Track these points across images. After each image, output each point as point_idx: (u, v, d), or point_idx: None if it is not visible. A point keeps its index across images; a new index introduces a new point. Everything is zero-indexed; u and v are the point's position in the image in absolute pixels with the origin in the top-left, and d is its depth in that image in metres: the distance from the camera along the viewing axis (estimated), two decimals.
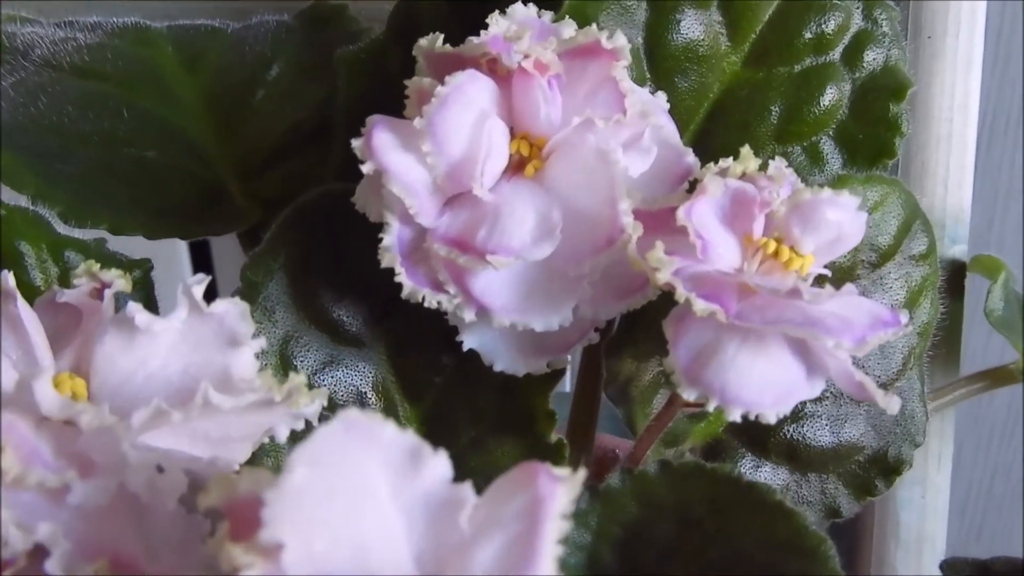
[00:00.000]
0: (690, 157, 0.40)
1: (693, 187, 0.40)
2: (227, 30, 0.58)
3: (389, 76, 0.50)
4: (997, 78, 0.88)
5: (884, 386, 0.48)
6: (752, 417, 0.36)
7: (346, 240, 0.44)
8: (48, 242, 0.46)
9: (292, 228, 0.44)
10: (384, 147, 0.38)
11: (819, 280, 0.40)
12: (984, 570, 0.56)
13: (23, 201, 0.48)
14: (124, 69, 0.55)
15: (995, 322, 0.56)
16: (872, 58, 0.48)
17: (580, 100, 0.39)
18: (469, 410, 0.45)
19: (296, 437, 0.38)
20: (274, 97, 0.55)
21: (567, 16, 0.43)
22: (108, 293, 0.37)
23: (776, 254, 0.37)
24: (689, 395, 0.36)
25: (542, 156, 0.39)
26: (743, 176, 0.38)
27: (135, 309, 0.35)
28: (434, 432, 0.45)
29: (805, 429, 0.47)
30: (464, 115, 0.38)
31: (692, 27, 0.47)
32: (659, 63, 0.47)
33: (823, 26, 0.47)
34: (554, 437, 0.44)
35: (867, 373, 0.47)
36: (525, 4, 0.42)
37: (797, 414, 0.47)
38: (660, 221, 0.39)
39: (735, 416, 0.36)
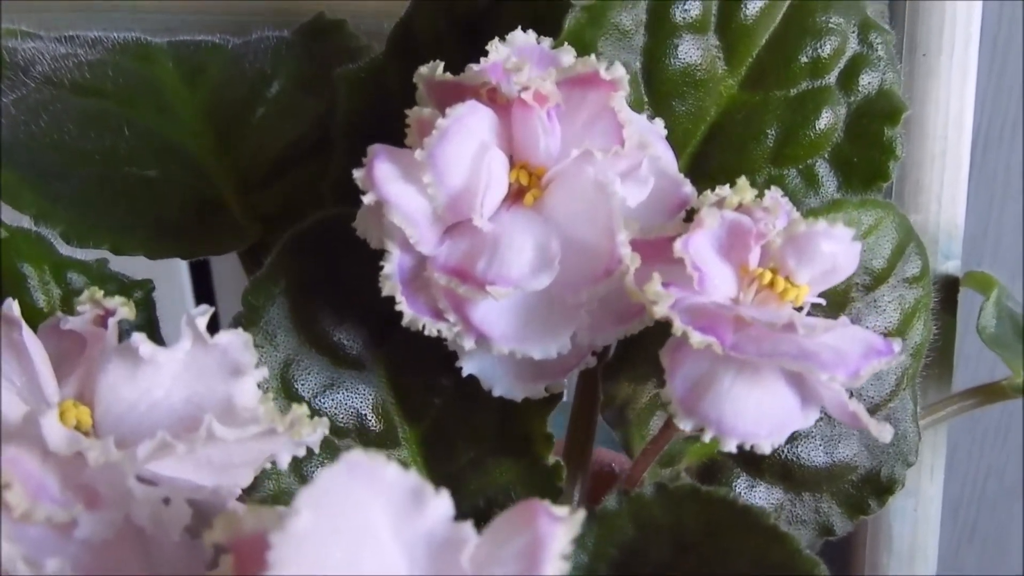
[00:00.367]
0: (687, 187, 0.41)
1: (690, 215, 0.40)
2: (227, 46, 0.58)
3: (388, 94, 0.50)
4: (992, 87, 0.88)
5: (878, 407, 0.48)
6: (747, 447, 0.37)
7: (345, 264, 0.45)
8: (50, 263, 0.46)
9: (292, 253, 0.45)
10: (385, 178, 0.38)
11: (814, 305, 0.41)
12: None
13: (25, 220, 0.48)
14: (125, 86, 0.55)
15: (987, 339, 0.56)
16: (867, 82, 0.48)
17: (579, 129, 0.40)
18: (468, 431, 0.46)
19: (297, 461, 0.39)
20: (274, 113, 0.56)
21: (566, 42, 0.44)
22: (112, 322, 0.37)
23: (772, 284, 0.38)
24: (685, 425, 0.37)
25: (541, 185, 0.40)
26: (739, 207, 0.38)
27: (139, 340, 0.36)
28: (433, 453, 0.46)
29: (799, 449, 0.48)
30: (464, 147, 0.38)
31: (690, 52, 0.47)
32: (657, 87, 0.47)
33: (819, 50, 0.48)
34: (552, 459, 0.45)
35: (861, 394, 0.48)
36: (524, 30, 0.42)
37: (791, 435, 0.48)
38: (657, 250, 0.39)
39: (730, 447, 0.37)
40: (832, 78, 0.48)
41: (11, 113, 0.53)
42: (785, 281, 0.38)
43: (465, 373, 0.42)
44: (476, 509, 0.45)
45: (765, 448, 0.37)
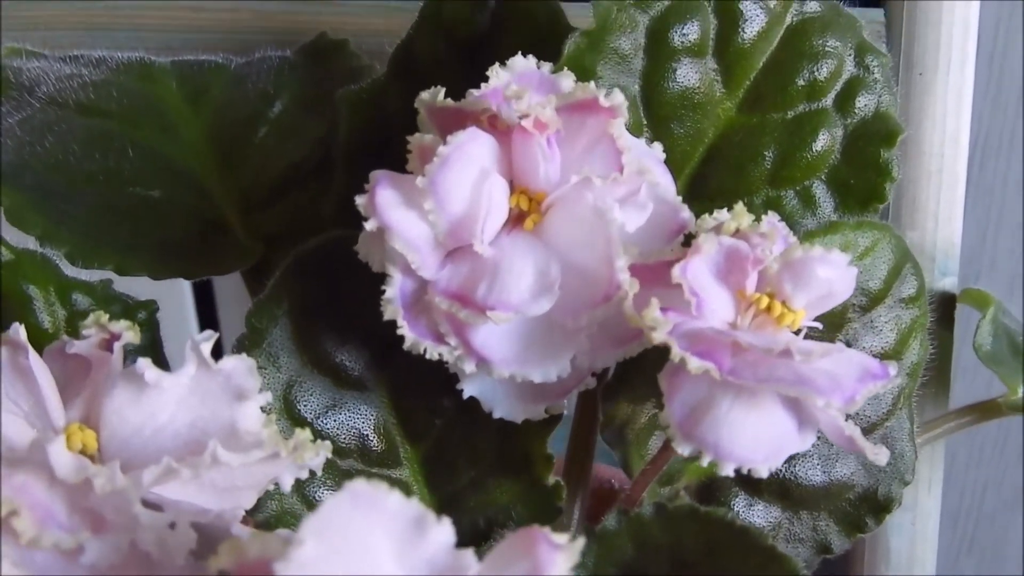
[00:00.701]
0: (685, 212, 0.41)
1: (688, 240, 0.41)
2: (230, 66, 0.59)
3: (388, 115, 0.51)
4: (989, 103, 0.89)
5: (875, 426, 0.49)
6: (745, 471, 0.37)
7: (347, 287, 0.45)
8: (56, 285, 0.47)
9: (295, 275, 0.45)
10: (387, 204, 0.39)
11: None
12: None
13: (30, 241, 0.49)
14: (129, 106, 0.55)
15: (983, 357, 0.57)
16: (864, 104, 0.49)
17: (578, 155, 0.40)
18: (468, 451, 0.46)
19: (299, 482, 0.40)
20: (276, 134, 0.56)
21: (566, 67, 0.44)
22: (117, 347, 0.38)
23: (769, 309, 0.38)
24: (684, 450, 0.38)
25: (541, 210, 0.40)
26: (737, 232, 0.39)
27: (144, 365, 0.36)
28: (434, 473, 0.47)
29: (797, 468, 0.48)
30: (465, 174, 0.39)
31: (688, 75, 0.48)
32: (655, 110, 0.48)
33: (816, 73, 0.48)
34: (551, 479, 0.45)
35: (858, 414, 0.48)
36: (524, 54, 0.43)
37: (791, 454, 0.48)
38: (656, 274, 0.40)
39: (728, 471, 0.37)
40: (829, 101, 0.49)
41: (16, 134, 0.53)
42: (782, 306, 0.38)
43: (466, 395, 0.42)
44: (476, 528, 0.46)
45: (762, 472, 0.37)
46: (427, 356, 0.40)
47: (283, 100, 0.57)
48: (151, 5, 0.65)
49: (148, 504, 0.35)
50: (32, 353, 0.38)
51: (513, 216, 0.40)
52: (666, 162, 0.44)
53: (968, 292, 0.60)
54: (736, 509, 0.48)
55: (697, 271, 0.38)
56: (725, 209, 0.41)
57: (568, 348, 0.40)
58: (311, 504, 0.44)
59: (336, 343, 0.46)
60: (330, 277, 0.46)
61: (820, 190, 0.49)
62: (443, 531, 0.29)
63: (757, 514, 0.49)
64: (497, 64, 0.41)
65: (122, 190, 0.53)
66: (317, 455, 0.37)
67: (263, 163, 0.56)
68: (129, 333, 0.39)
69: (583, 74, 0.45)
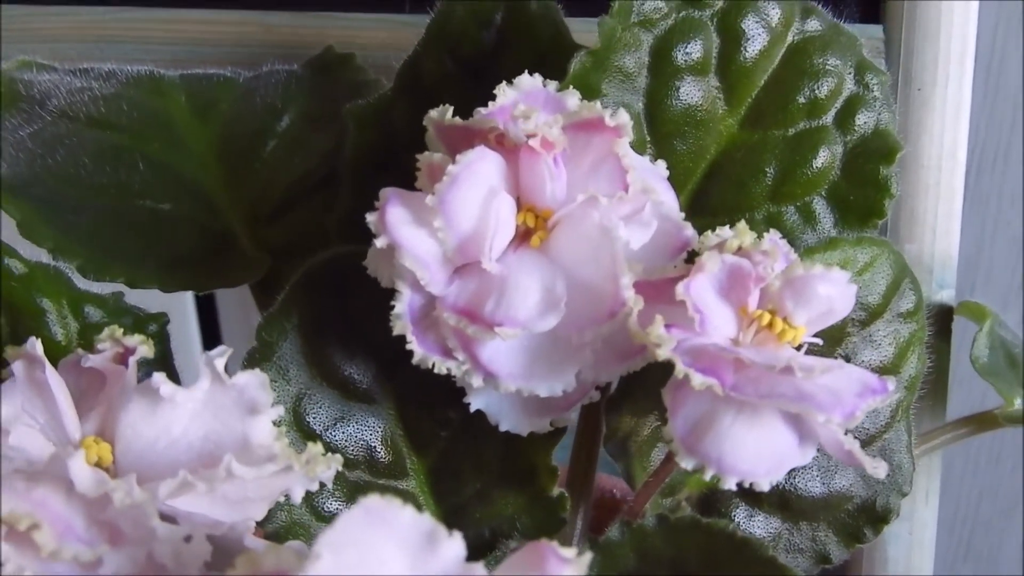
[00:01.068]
0: (689, 230, 0.42)
1: (692, 257, 0.42)
2: (238, 79, 0.60)
3: (395, 130, 0.52)
4: (986, 113, 0.90)
5: (873, 439, 0.50)
6: (747, 485, 0.38)
7: (355, 301, 0.46)
8: (68, 298, 0.47)
9: (304, 289, 0.46)
10: (397, 222, 0.39)
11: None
12: None
13: (43, 255, 0.49)
14: (139, 120, 0.56)
15: (980, 369, 0.58)
16: (863, 122, 0.50)
17: (584, 173, 0.41)
18: (474, 463, 0.47)
19: (309, 493, 0.40)
20: (283, 148, 0.57)
21: (571, 85, 0.45)
22: (132, 361, 0.39)
23: (770, 326, 0.39)
24: (687, 464, 0.38)
25: (547, 227, 0.41)
26: (739, 250, 0.40)
27: (160, 380, 0.37)
28: (440, 484, 0.47)
29: (797, 480, 0.49)
30: (473, 192, 0.39)
31: (691, 93, 0.49)
32: (659, 127, 0.49)
33: (816, 91, 0.49)
34: (556, 491, 0.46)
35: (857, 427, 0.49)
36: (530, 71, 0.43)
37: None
38: (660, 291, 0.40)
39: (730, 484, 0.38)
40: (829, 118, 0.50)
41: (28, 146, 0.54)
42: (783, 322, 0.39)
43: (473, 408, 0.43)
44: (481, 539, 0.47)
45: (764, 486, 0.38)
46: (435, 370, 0.41)
47: (290, 114, 0.58)
48: (160, 18, 0.66)
49: (162, 516, 0.36)
50: (48, 367, 0.39)
51: (520, 233, 0.41)
52: (669, 178, 0.45)
53: (965, 305, 0.61)
54: (737, 520, 0.49)
55: (700, 288, 0.39)
56: (727, 226, 0.41)
57: (573, 363, 0.40)
58: (320, 515, 0.45)
59: (345, 357, 0.46)
60: (339, 292, 0.46)
61: (820, 206, 0.50)
62: (454, 545, 0.29)
63: (757, 525, 0.49)
64: (504, 82, 0.42)
65: (132, 203, 0.53)
66: (329, 468, 0.37)
67: (270, 177, 0.56)
68: (144, 347, 0.40)
69: (588, 92, 0.46)
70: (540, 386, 0.40)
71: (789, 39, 0.49)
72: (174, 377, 0.42)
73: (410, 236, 0.39)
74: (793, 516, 0.50)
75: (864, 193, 0.50)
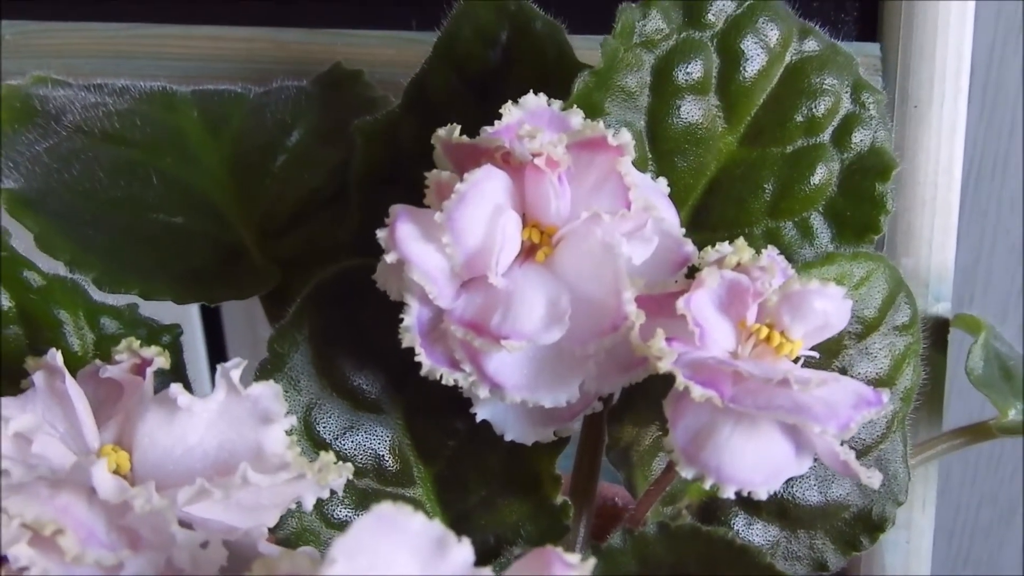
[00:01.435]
0: (689, 246, 0.43)
1: (692, 272, 0.43)
2: (249, 95, 0.61)
3: (402, 146, 0.53)
4: (984, 125, 0.91)
5: (869, 449, 0.51)
6: (745, 494, 0.39)
7: (365, 314, 0.47)
8: (85, 309, 0.49)
9: (315, 302, 0.47)
10: (406, 238, 0.41)
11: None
12: None
13: (60, 267, 0.51)
14: (152, 135, 0.57)
15: (975, 381, 0.59)
16: (860, 139, 0.51)
17: (588, 191, 0.42)
18: (479, 472, 0.48)
19: (319, 501, 0.41)
20: (293, 162, 0.58)
21: (575, 104, 0.46)
22: (149, 372, 0.40)
23: (768, 339, 0.40)
24: (687, 473, 0.39)
25: (552, 243, 0.42)
26: (738, 266, 0.41)
27: (177, 391, 0.38)
28: (446, 492, 0.48)
29: (795, 489, 0.50)
30: (481, 210, 0.41)
31: (692, 111, 0.50)
32: (660, 144, 0.50)
33: (814, 109, 0.51)
34: (559, 499, 0.47)
35: (853, 437, 0.50)
36: (534, 90, 0.45)
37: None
38: (661, 305, 0.42)
39: (729, 493, 0.39)
40: (826, 136, 0.51)
41: (44, 161, 0.55)
42: (781, 336, 0.40)
43: (479, 419, 0.44)
44: (486, 546, 0.48)
45: (761, 495, 0.39)
46: (442, 382, 0.42)
47: (300, 130, 0.59)
48: (171, 34, 0.67)
49: (179, 523, 0.37)
50: (68, 377, 0.40)
51: (525, 249, 0.42)
52: (670, 195, 0.46)
53: (961, 317, 0.62)
54: (736, 528, 0.50)
55: (700, 303, 0.40)
56: (727, 242, 0.43)
57: (577, 375, 0.42)
58: (330, 522, 0.46)
59: (354, 368, 0.47)
60: (349, 304, 0.48)
61: (818, 221, 0.51)
62: (463, 550, 0.31)
63: (756, 533, 0.50)
64: (510, 102, 0.43)
65: (146, 217, 0.55)
66: (340, 476, 0.38)
67: (280, 191, 0.57)
68: (160, 359, 0.41)
69: (591, 110, 0.47)
70: (545, 397, 0.42)
71: (787, 59, 0.51)
72: (187, 387, 0.43)
73: (419, 251, 0.41)
74: (791, 524, 0.51)
75: (861, 209, 0.51)
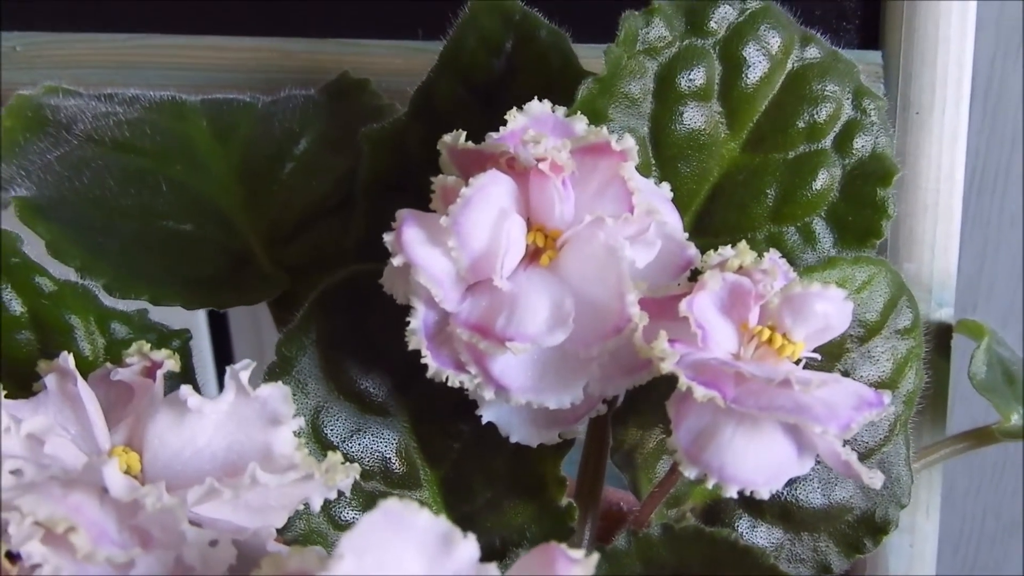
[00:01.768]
0: (691, 250, 0.44)
1: (695, 275, 0.43)
2: (257, 104, 0.62)
3: (409, 154, 0.54)
4: (986, 133, 0.91)
5: (872, 451, 0.51)
6: (747, 493, 0.40)
7: (371, 318, 0.48)
8: (95, 315, 0.49)
9: (323, 306, 0.48)
10: (412, 242, 0.41)
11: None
12: None
13: (71, 273, 0.51)
14: (161, 144, 0.58)
15: (978, 386, 0.59)
16: (861, 145, 0.51)
17: (591, 194, 0.43)
18: (485, 474, 0.48)
19: (326, 502, 0.42)
20: (301, 170, 0.59)
21: (579, 111, 0.47)
22: (159, 374, 0.40)
23: (770, 341, 0.41)
24: (690, 473, 0.40)
25: (556, 247, 0.43)
26: (740, 269, 0.41)
27: (187, 392, 0.39)
28: (452, 494, 0.49)
29: (798, 491, 0.51)
30: (486, 214, 0.41)
31: (694, 118, 0.50)
32: (663, 150, 0.50)
33: (815, 116, 0.51)
34: (564, 501, 0.48)
35: (856, 440, 0.50)
36: (539, 98, 0.45)
37: (791, 478, 0.51)
38: (664, 308, 0.42)
39: (731, 493, 0.39)
40: (828, 142, 0.51)
41: (56, 170, 0.56)
42: (782, 338, 0.41)
43: (484, 421, 0.44)
44: (492, 548, 0.48)
45: (763, 494, 0.40)
46: (448, 384, 0.42)
47: (307, 138, 0.60)
48: (180, 44, 0.68)
49: (189, 523, 0.38)
50: (80, 380, 0.40)
51: (530, 252, 0.43)
52: (673, 200, 0.47)
53: (964, 323, 0.62)
54: (740, 530, 0.51)
55: (703, 305, 0.40)
56: (729, 246, 0.43)
57: (581, 376, 0.42)
58: (337, 524, 0.47)
59: (361, 371, 0.48)
60: (355, 309, 0.48)
61: (820, 226, 0.51)
62: (468, 546, 0.31)
63: (760, 535, 0.51)
64: (514, 108, 0.44)
65: (155, 224, 0.55)
66: (347, 477, 0.39)
67: (288, 198, 0.58)
68: (170, 362, 0.41)
69: (595, 117, 0.48)
70: (549, 399, 0.42)
71: (789, 66, 0.51)
72: (196, 390, 0.44)
73: (425, 255, 0.41)
74: (794, 527, 0.51)
75: (862, 214, 0.51)
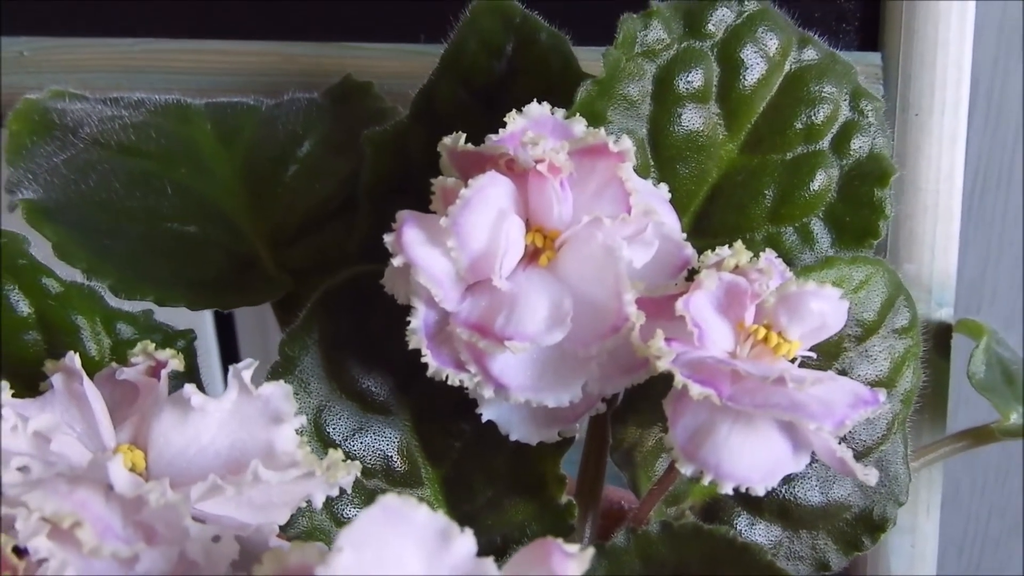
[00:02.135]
0: (688, 250, 0.44)
1: (692, 275, 0.44)
2: (261, 107, 0.62)
3: (410, 156, 0.54)
4: (989, 135, 0.92)
5: (870, 450, 0.51)
6: (743, 490, 0.40)
7: (373, 318, 0.48)
8: (101, 315, 0.50)
9: (325, 307, 0.48)
10: (412, 242, 0.42)
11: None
12: None
13: (77, 275, 0.52)
14: (166, 147, 0.59)
15: (977, 385, 0.59)
16: (858, 146, 0.52)
17: (589, 195, 0.43)
18: (485, 472, 0.49)
19: (328, 500, 0.42)
20: (304, 173, 0.59)
21: (578, 112, 0.47)
22: (164, 374, 0.41)
23: (766, 340, 0.41)
24: (686, 470, 0.40)
25: (554, 247, 0.43)
26: (736, 269, 0.42)
27: (191, 391, 0.39)
28: (453, 492, 0.49)
29: (796, 489, 0.51)
30: (485, 215, 0.42)
31: (692, 119, 0.51)
32: (662, 152, 0.51)
33: (813, 117, 0.51)
34: (564, 499, 0.48)
35: (854, 438, 0.51)
36: (538, 100, 0.46)
37: (789, 475, 0.51)
38: (661, 307, 0.43)
39: (727, 489, 0.40)
40: (825, 143, 0.52)
41: (62, 173, 0.56)
42: (778, 337, 0.41)
43: (484, 419, 0.45)
44: (493, 545, 0.49)
45: (759, 491, 0.40)
46: (448, 383, 0.43)
47: (311, 141, 0.60)
48: (184, 48, 0.69)
49: (192, 519, 0.38)
50: (86, 379, 0.41)
51: (529, 252, 0.43)
52: (672, 201, 0.47)
53: (963, 323, 0.62)
54: (739, 528, 0.51)
55: (699, 304, 0.41)
56: (726, 246, 0.44)
57: (580, 375, 0.43)
58: (339, 521, 0.47)
59: (363, 370, 0.49)
60: (357, 309, 0.49)
61: (818, 227, 0.52)
62: (466, 541, 0.32)
63: (759, 533, 0.51)
64: (514, 110, 0.45)
65: (161, 226, 0.56)
66: (349, 474, 0.40)
67: (292, 200, 0.59)
68: (174, 361, 0.42)
69: (594, 119, 0.49)
70: (548, 397, 0.42)
71: (786, 68, 0.52)
72: (200, 390, 0.45)
73: (425, 256, 0.42)
74: (793, 525, 0.51)
75: (860, 214, 0.52)
